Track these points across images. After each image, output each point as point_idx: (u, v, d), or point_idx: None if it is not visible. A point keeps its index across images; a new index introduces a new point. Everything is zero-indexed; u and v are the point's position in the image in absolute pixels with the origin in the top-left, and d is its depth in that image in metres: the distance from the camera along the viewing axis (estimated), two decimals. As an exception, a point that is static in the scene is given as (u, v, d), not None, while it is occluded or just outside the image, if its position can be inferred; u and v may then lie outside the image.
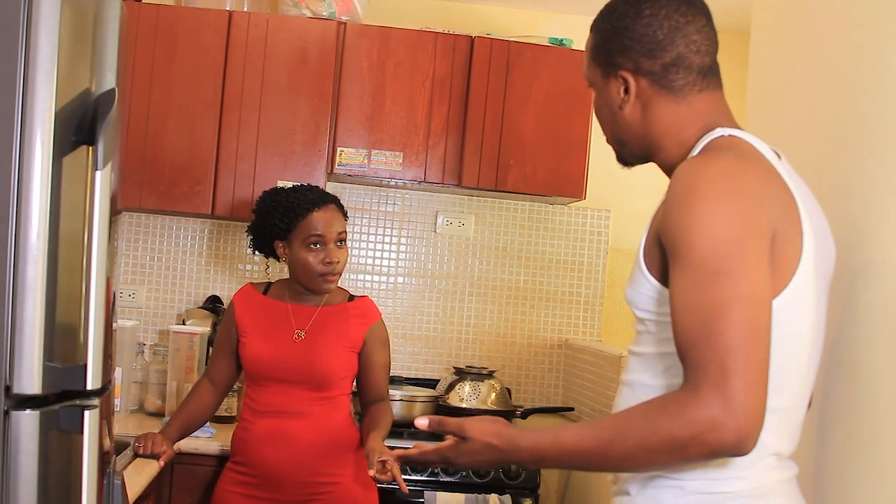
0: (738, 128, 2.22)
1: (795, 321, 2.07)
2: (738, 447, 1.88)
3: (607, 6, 2.32)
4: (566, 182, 4.92)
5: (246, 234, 4.04)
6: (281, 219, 3.87)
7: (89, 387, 2.10)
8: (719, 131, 2.18)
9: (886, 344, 2.25)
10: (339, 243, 3.87)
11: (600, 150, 4.84)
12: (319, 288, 3.88)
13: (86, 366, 2.09)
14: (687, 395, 1.90)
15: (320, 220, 3.85)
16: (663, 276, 2.08)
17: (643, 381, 2.18)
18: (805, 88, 2.79)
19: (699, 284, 1.94)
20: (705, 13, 2.26)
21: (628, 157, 2.39)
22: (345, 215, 3.95)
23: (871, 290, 2.33)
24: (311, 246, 3.83)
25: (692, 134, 2.23)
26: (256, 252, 4.03)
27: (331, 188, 4.74)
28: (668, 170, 2.28)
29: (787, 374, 2.08)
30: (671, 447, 1.91)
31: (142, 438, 3.79)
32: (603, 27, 2.30)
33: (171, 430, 3.89)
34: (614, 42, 2.26)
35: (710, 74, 2.26)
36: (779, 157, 2.20)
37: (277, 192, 3.98)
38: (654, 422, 1.93)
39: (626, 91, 2.27)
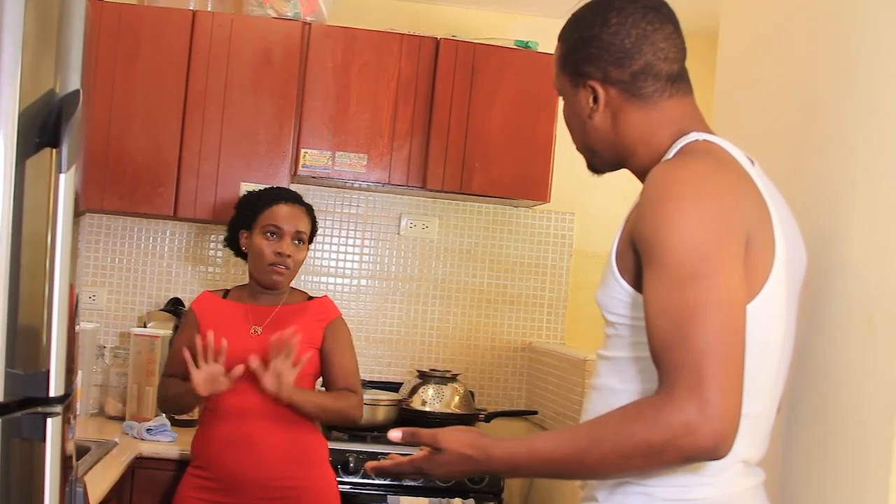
0: (711, 132, 2.22)
1: (767, 327, 2.07)
2: (714, 451, 1.87)
3: (574, 16, 2.32)
4: (531, 185, 4.91)
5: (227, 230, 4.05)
6: (250, 208, 3.94)
7: (52, 394, 2.06)
8: (693, 136, 2.17)
9: (853, 349, 2.25)
10: (296, 241, 3.88)
11: (565, 152, 4.86)
12: (268, 280, 3.88)
13: (48, 372, 2.06)
14: (662, 399, 1.89)
15: (282, 212, 3.90)
16: (636, 281, 2.07)
17: (613, 386, 2.16)
18: (773, 92, 2.79)
19: (674, 287, 1.93)
20: (672, 21, 2.26)
21: (599, 165, 2.38)
22: (313, 222, 3.96)
23: (838, 294, 2.33)
24: (268, 235, 3.87)
25: (664, 139, 2.22)
26: (227, 247, 4.04)
27: (294, 190, 4.71)
28: (642, 175, 2.27)
29: (759, 381, 2.08)
30: (647, 452, 1.90)
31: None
32: (570, 37, 2.30)
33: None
34: (582, 51, 2.26)
35: (680, 80, 2.26)
36: (752, 162, 2.20)
37: (258, 190, 4.05)
38: (630, 427, 1.92)
39: (595, 100, 2.26)
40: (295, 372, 3.67)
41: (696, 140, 2.16)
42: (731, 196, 2.01)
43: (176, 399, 3.90)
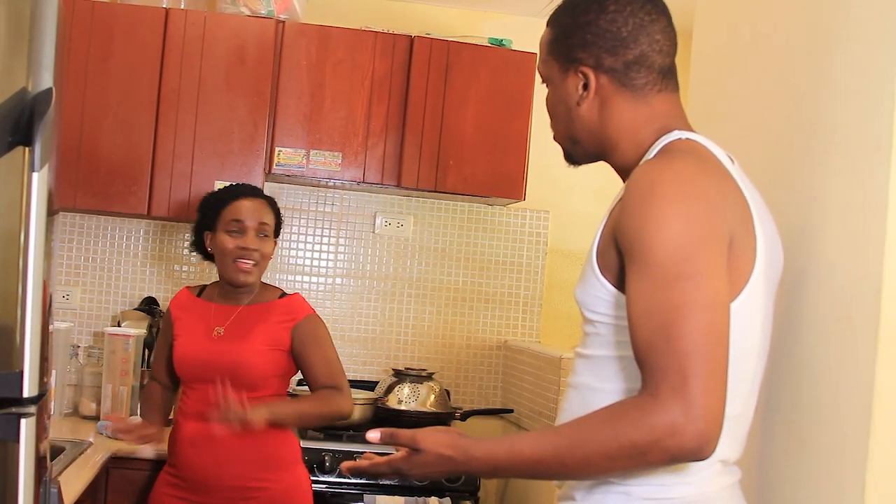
0: (694, 131, 2.21)
1: (748, 327, 2.07)
2: (699, 452, 1.87)
3: (568, 0, 2.29)
4: (505, 183, 4.91)
5: (191, 234, 4.02)
6: (211, 208, 3.91)
7: (26, 394, 2.05)
8: (676, 134, 2.17)
9: (831, 348, 2.26)
10: (261, 235, 3.84)
11: (539, 151, 4.87)
12: (235, 277, 3.84)
13: (22, 373, 2.04)
14: (646, 399, 1.89)
15: (243, 207, 3.87)
16: (618, 279, 2.06)
17: (592, 385, 2.15)
18: (748, 91, 2.80)
19: (658, 288, 1.93)
20: (667, 14, 2.25)
21: (579, 155, 2.35)
22: (276, 214, 3.93)
23: (816, 293, 2.33)
24: (231, 232, 3.84)
25: (648, 135, 2.21)
26: (195, 253, 4.01)
27: (269, 188, 4.70)
28: (621, 170, 2.27)
29: (738, 381, 2.07)
30: (631, 453, 1.89)
31: (119, 423, 3.84)
32: (563, 21, 2.26)
33: (154, 417, 3.96)
34: (576, 36, 2.23)
35: (669, 76, 2.25)
36: (732, 161, 2.20)
37: (217, 190, 4.02)
38: (614, 428, 1.91)
39: (586, 87, 2.23)
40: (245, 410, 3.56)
41: (679, 139, 2.15)
42: (714, 196, 2.01)
43: (159, 406, 4.06)
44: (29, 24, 2.12)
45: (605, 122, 2.25)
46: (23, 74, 2.09)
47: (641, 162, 2.17)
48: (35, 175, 2.03)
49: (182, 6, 4.86)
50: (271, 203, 3.94)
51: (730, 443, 2.11)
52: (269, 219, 3.89)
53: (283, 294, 3.98)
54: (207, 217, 3.91)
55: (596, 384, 2.14)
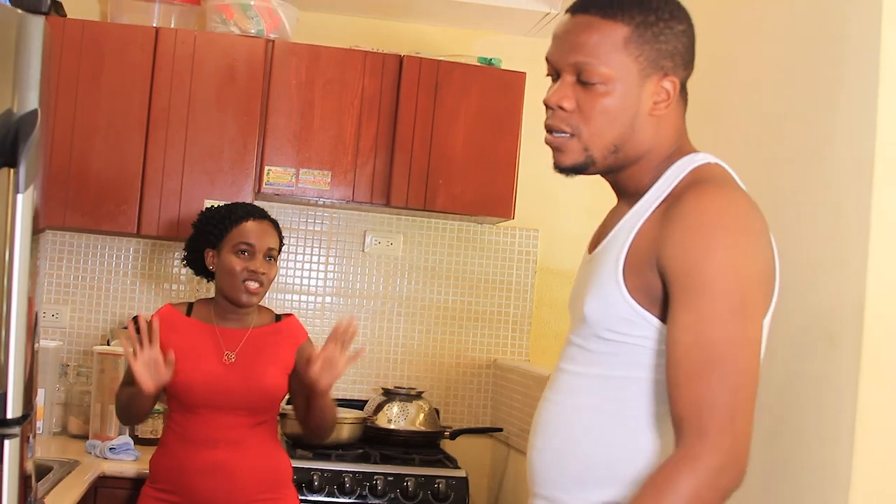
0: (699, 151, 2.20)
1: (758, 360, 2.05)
2: (739, 483, 1.91)
3: (652, 2, 2.15)
4: (495, 202, 4.91)
5: (183, 250, 3.99)
6: (216, 226, 3.85)
7: (9, 416, 2.05)
8: (702, 157, 2.15)
9: (814, 367, 2.26)
10: (268, 258, 3.83)
11: (529, 169, 4.88)
12: (240, 299, 3.81)
13: (6, 394, 2.05)
14: (693, 445, 1.90)
15: (253, 229, 3.83)
16: (650, 302, 2.05)
17: (597, 406, 2.12)
18: (732, 110, 2.80)
19: (712, 321, 1.93)
20: None
21: (603, 167, 2.19)
22: (280, 237, 3.92)
23: (797, 312, 2.33)
24: (240, 253, 3.79)
25: (667, 151, 2.17)
26: (187, 268, 3.98)
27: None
28: (630, 186, 2.20)
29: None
30: (694, 501, 1.89)
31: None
32: (647, 21, 2.12)
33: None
34: (668, 44, 2.13)
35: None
36: None
37: (218, 206, 3.98)
38: (677, 487, 1.89)
39: (664, 97, 2.14)
40: (346, 365, 3.67)
41: (709, 163, 2.14)
42: (766, 232, 2.03)
43: (128, 403, 3.76)
44: (14, 45, 2.13)
45: (660, 136, 2.17)
46: (8, 95, 2.10)
47: (670, 189, 2.11)
48: (20, 196, 2.03)
49: (172, 25, 4.87)
50: (276, 226, 3.92)
51: None
52: (275, 242, 3.87)
53: (278, 316, 3.97)
54: (211, 234, 3.85)
55: (604, 406, 2.11)
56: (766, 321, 2.05)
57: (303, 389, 3.79)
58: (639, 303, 2.05)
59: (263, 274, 3.79)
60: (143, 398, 3.65)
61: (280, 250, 3.92)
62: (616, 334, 2.09)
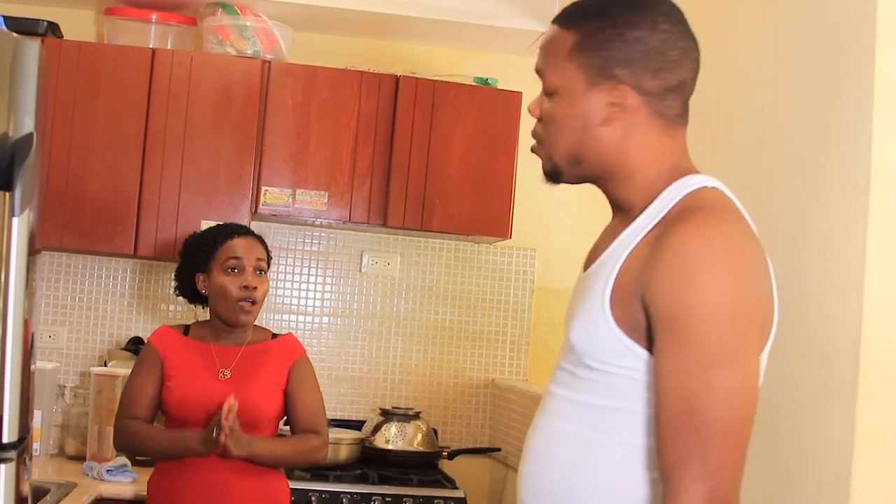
0: (699, 172, 2.08)
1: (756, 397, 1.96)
2: None
3: (603, 7, 2.08)
4: (492, 221, 4.91)
5: (173, 281, 3.99)
6: (202, 249, 3.86)
7: (5, 440, 2.05)
8: (700, 180, 2.04)
9: (810, 389, 2.26)
10: (258, 272, 3.83)
11: (526, 189, 4.89)
12: (237, 318, 3.81)
13: (1, 418, 2.04)
14: (669, 494, 1.83)
15: (240, 244, 3.84)
16: (636, 333, 1.95)
17: (582, 434, 2.04)
18: (730, 133, 2.81)
19: (693, 369, 1.83)
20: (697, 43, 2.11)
21: (572, 177, 2.15)
22: (267, 252, 3.91)
23: (794, 335, 2.33)
24: (229, 271, 3.80)
25: (664, 172, 2.06)
26: (181, 296, 3.98)
27: (255, 227, 4.69)
28: (621, 201, 2.12)
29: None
30: None
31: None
32: (598, 28, 2.06)
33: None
34: (618, 51, 2.03)
35: (687, 109, 2.12)
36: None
37: (201, 231, 3.99)
38: None
39: (616, 107, 2.05)
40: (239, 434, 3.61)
41: (705, 187, 2.02)
42: (756, 268, 1.93)
43: (156, 449, 3.79)
44: (10, 68, 2.13)
45: (626, 149, 2.07)
46: (4, 119, 2.10)
47: (664, 213, 2.01)
48: (15, 220, 2.03)
49: (168, 46, 4.87)
50: (262, 241, 3.93)
51: None
52: (264, 255, 3.88)
53: (275, 335, 3.97)
54: (199, 258, 3.85)
55: (590, 435, 2.02)
56: (765, 354, 1.97)
57: (291, 407, 3.86)
58: (626, 333, 1.96)
59: (255, 288, 3.79)
60: (188, 451, 3.68)
61: (269, 264, 3.91)
62: (603, 364, 2.00)
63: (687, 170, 2.06)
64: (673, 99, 2.06)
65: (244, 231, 3.91)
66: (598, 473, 1.98)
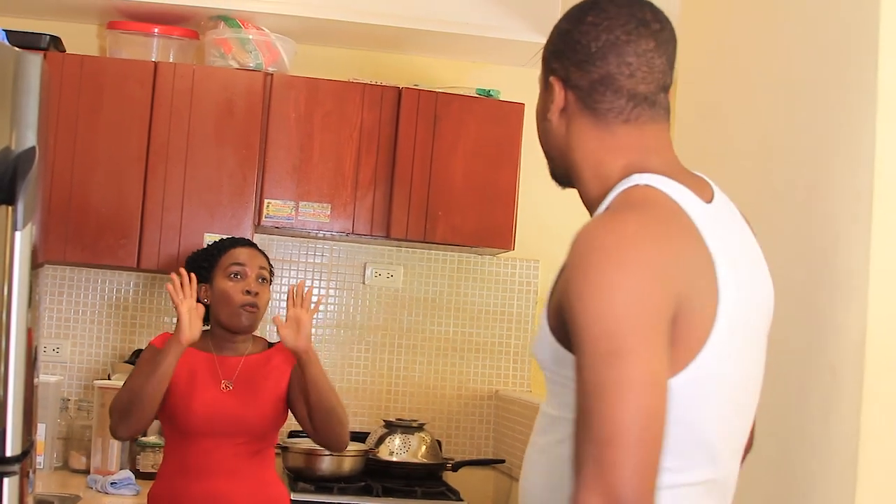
0: (673, 167, 2.04)
1: (711, 391, 1.94)
2: None
3: (571, 7, 2.12)
4: (495, 233, 4.92)
5: None
6: (205, 260, 3.87)
7: (8, 453, 2.05)
8: (636, 179, 1.99)
9: (815, 398, 2.25)
10: (260, 280, 3.83)
11: (529, 200, 4.89)
12: (239, 323, 3.80)
13: (4, 431, 2.04)
14: (571, 497, 1.78)
15: (242, 253, 3.86)
16: (567, 340, 1.89)
17: (548, 445, 2.05)
18: (733, 140, 2.81)
19: (590, 366, 1.78)
20: (658, 39, 2.05)
21: (554, 174, 2.19)
22: (269, 263, 3.92)
23: (799, 343, 2.33)
24: (232, 276, 3.81)
25: (615, 171, 2.04)
26: None
27: (258, 240, 4.69)
28: (588, 204, 2.11)
29: (713, 445, 1.96)
30: None
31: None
32: (556, 26, 2.12)
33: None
34: (556, 44, 2.09)
35: (645, 105, 2.05)
36: (711, 198, 2.05)
37: (202, 248, 4.03)
38: None
39: (552, 100, 2.09)
40: (312, 320, 3.68)
41: (637, 186, 1.97)
42: (657, 262, 1.85)
43: (143, 384, 3.62)
44: (12, 83, 2.14)
45: (571, 145, 2.09)
46: (6, 133, 2.11)
47: (595, 214, 2.03)
48: (18, 234, 2.03)
49: (171, 59, 4.88)
50: (263, 252, 3.95)
51: (718, 500, 2.00)
52: (266, 265, 3.89)
53: (271, 343, 3.96)
54: (202, 269, 3.85)
55: (554, 448, 2.01)
56: (718, 345, 1.90)
57: (300, 392, 3.77)
58: (559, 340, 1.95)
59: (258, 294, 3.79)
60: (163, 369, 3.60)
61: (271, 277, 3.91)
62: (554, 374, 2.00)
63: (640, 169, 2.01)
64: (600, 93, 2.04)
65: (247, 242, 3.95)
66: (566, 487, 1.88)
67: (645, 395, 1.76)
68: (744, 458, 2.14)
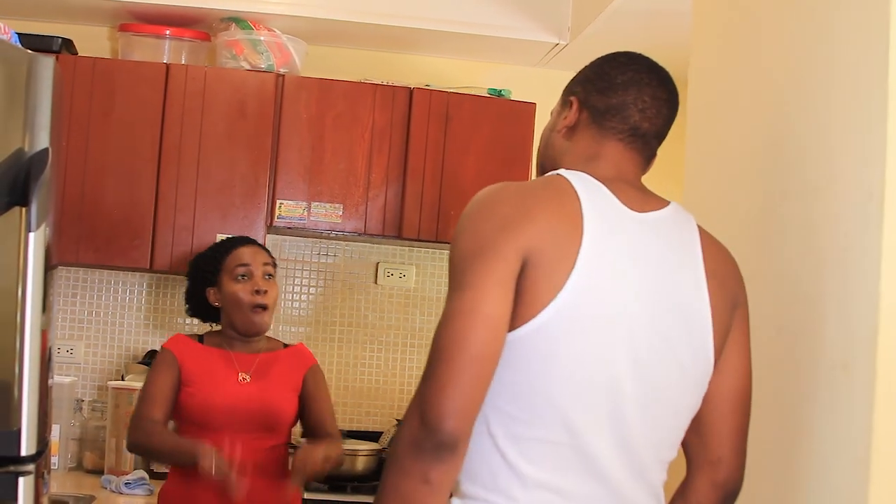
0: (606, 177, 2.20)
1: (553, 353, 2.07)
2: (430, 432, 1.98)
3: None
4: (506, 232, 4.91)
5: (185, 302, 4.01)
6: (209, 263, 3.90)
7: (24, 453, 2.06)
8: (561, 171, 2.21)
9: (826, 396, 2.25)
10: (267, 277, 3.85)
11: (540, 200, 4.87)
12: (251, 323, 3.82)
13: (19, 431, 2.05)
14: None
15: (245, 252, 3.88)
16: None
17: None
18: (742, 142, 2.81)
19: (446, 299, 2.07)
20: (669, 92, 2.30)
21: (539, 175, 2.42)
22: (272, 258, 3.93)
23: (808, 340, 2.33)
24: (239, 277, 3.82)
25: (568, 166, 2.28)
26: (194, 318, 4.01)
27: (270, 240, 4.71)
28: None
29: (565, 412, 2.08)
30: (397, 466, 2.04)
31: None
32: (590, 63, 2.36)
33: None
34: (586, 74, 2.34)
35: (640, 139, 2.28)
36: (649, 211, 2.22)
37: (203, 251, 4.05)
38: (392, 458, 2.08)
39: (566, 116, 2.32)
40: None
41: (555, 174, 2.21)
42: (509, 217, 2.08)
43: (164, 455, 3.81)
44: (25, 85, 2.15)
45: (564, 150, 2.32)
46: (19, 135, 2.12)
47: None
48: (31, 235, 2.04)
49: (182, 61, 4.89)
50: (264, 248, 3.98)
51: (556, 470, 2.09)
52: (269, 261, 3.91)
53: (286, 345, 3.98)
54: (207, 273, 3.88)
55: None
56: (565, 315, 2.07)
57: (309, 411, 3.88)
58: None
59: (266, 292, 3.81)
60: (186, 459, 3.60)
61: (275, 271, 3.92)
62: None
63: (580, 169, 2.22)
64: (612, 116, 2.27)
65: (247, 240, 3.97)
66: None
67: (469, 325, 2.00)
68: (727, 495, 2.26)
